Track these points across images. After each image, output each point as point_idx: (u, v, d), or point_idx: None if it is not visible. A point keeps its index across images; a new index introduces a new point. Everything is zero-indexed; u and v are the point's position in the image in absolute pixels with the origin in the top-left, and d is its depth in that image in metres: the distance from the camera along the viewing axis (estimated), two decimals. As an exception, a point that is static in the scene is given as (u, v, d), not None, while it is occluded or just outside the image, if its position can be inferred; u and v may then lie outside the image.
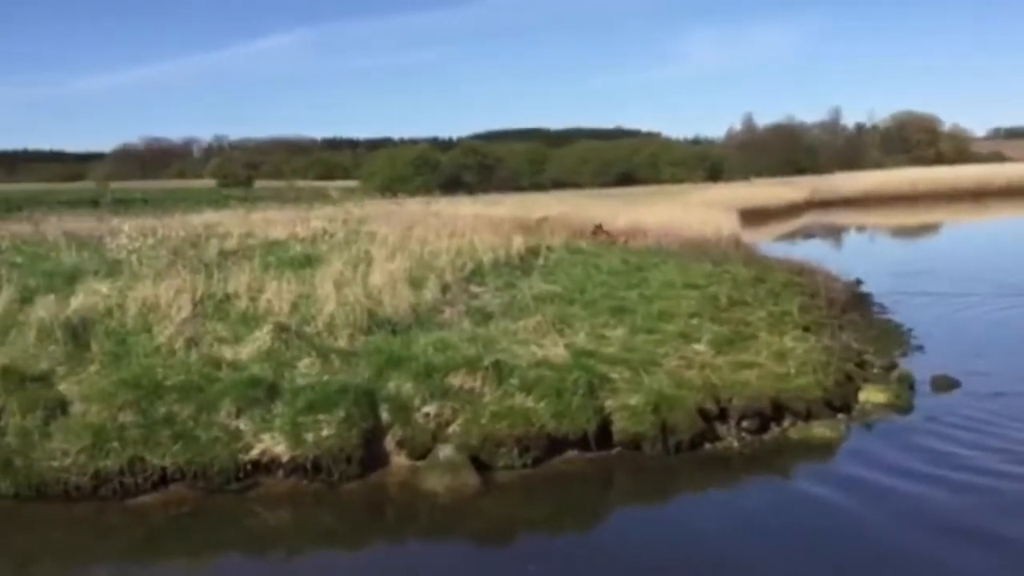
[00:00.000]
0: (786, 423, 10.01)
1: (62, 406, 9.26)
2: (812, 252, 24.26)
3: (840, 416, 10.32)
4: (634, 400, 9.41)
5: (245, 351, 10.10)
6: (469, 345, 10.27)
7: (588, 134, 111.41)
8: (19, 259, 15.46)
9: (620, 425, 9.28)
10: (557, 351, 10.16)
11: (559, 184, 77.13)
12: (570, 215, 27.82)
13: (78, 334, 10.35)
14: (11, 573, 7.66)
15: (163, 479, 8.63)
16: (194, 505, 8.41)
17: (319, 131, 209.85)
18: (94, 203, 48.58)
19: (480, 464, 8.84)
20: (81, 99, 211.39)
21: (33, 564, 7.80)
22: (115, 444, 8.66)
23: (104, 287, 11.57)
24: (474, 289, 13.67)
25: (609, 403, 9.38)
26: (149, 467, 8.60)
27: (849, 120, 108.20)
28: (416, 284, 12.74)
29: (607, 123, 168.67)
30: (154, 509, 8.37)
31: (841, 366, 11.23)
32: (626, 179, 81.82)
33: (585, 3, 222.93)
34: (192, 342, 10.24)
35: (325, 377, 9.63)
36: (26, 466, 8.62)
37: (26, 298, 11.35)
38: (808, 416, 10.04)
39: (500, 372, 9.50)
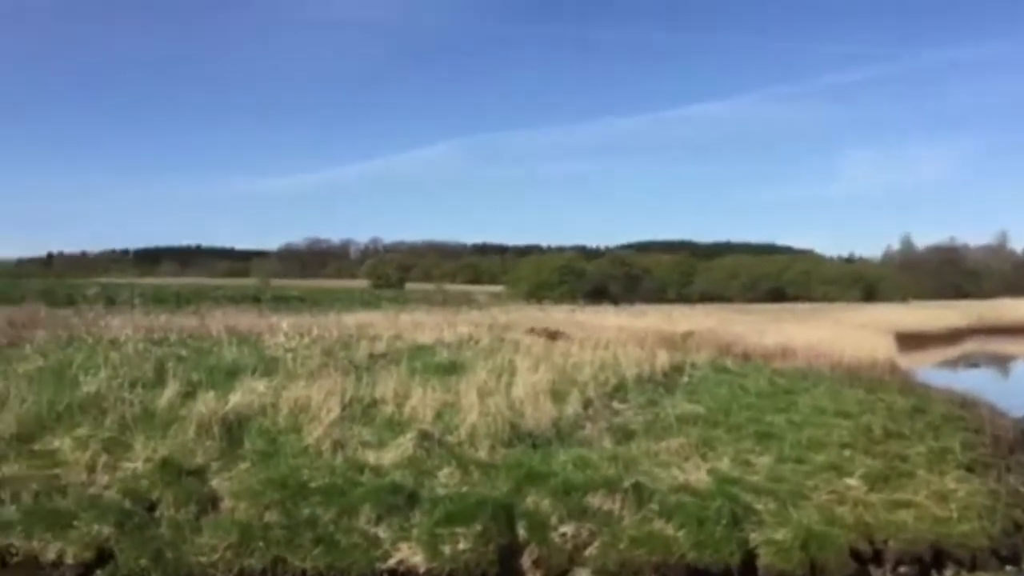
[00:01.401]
0: (948, 572, 9.29)
1: (213, 501, 9.60)
2: (975, 382, 22.86)
3: (1008, 568, 9.51)
4: (781, 535, 8.97)
5: (388, 456, 10.27)
6: (609, 464, 10.11)
7: (738, 248, 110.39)
8: (184, 352, 16.35)
9: (766, 560, 8.83)
10: (699, 476, 9.87)
11: (706, 297, 76.35)
12: (717, 330, 27.35)
13: (233, 431, 10.79)
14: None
15: (302, 582, 8.74)
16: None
17: (470, 236, 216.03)
18: (256, 299, 51.36)
19: (616, 591, 8.58)
20: (252, 200, 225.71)
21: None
22: (260, 543, 8.87)
23: (261, 385, 12.07)
24: (616, 405, 13.53)
25: (754, 536, 8.98)
26: (291, 569, 8.73)
27: (1017, 244, 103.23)
28: (558, 397, 12.72)
29: (758, 238, 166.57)
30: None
31: (1009, 512, 10.41)
32: (776, 295, 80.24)
33: (740, 121, 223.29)
34: (338, 445, 10.49)
35: (464, 488, 9.65)
36: (176, 559, 8.91)
37: (188, 392, 11.95)
38: (973, 566, 9.31)
39: (640, 495, 9.28)
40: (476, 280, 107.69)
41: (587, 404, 12.94)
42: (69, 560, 9.09)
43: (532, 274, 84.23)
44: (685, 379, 16.73)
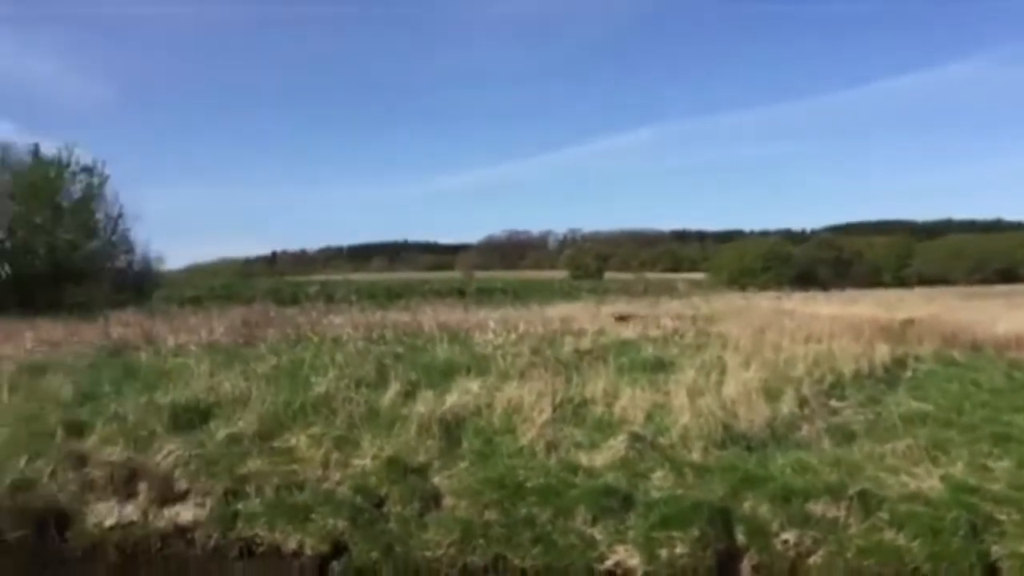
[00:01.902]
0: None
1: (436, 499, 10.04)
2: None
3: None
4: (1027, 548, 8.34)
5: (600, 458, 10.35)
6: (831, 469, 9.74)
7: (961, 226, 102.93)
8: (400, 350, 17.12)
9: (1011, 575, 8.25)
10: (932, 483, 9.32)
11: (926, 280, 71.72)
12: (940, 318, 25.64)
13: (451, 430, 11.23)
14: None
15: (523, 579, 8.99)
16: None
17: (668, 223, 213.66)
18: (460, 292, 53.09)
19: (844, 602, 8.27)
20: (452, 195, 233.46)
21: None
22: (481, 541, 9.20)
23: (475, 385, 12.48)
24: (834, 404, 12.97)
25: (996, 549, 8.39)
26: (511, 567, 9.01)
27: None
28: (772, 396, 12.36)
29: (984, 214, 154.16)
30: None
31: None
32: (1007, 276, 74.15)
33: (958, 93, 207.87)
34: (552, 446, 10.69)
35: (679, 491, 9.58)
36: (404, 553, 9.40)
37: (408, 392, 12.53)
38: None
39: (867, 503, 8.88)
40: (675, 268, 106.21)
41: (802, 403, 12.49)
42: (308, 551, 9.78)
43: (734, 260, 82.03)
44: (908, 374, 15.80)
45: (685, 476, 9.88)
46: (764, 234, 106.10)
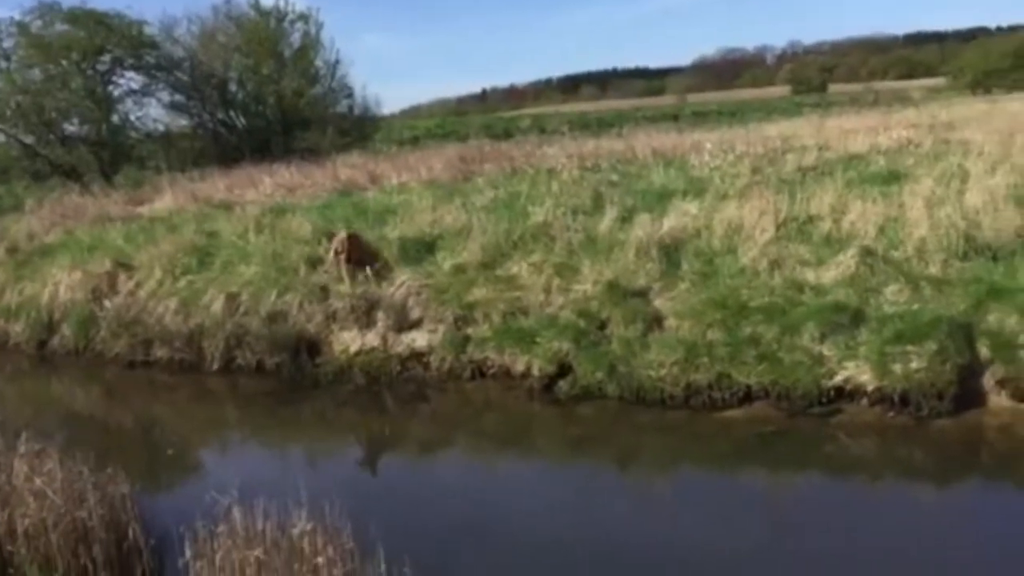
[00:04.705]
0: None
1: (657, 320, 10.10)
2: None
3: None
4: None
5: (828, 275, 9.96)
6: (1090, 278, 8.88)
7: None
8: (615, 178, 16.94)
9: None
10: None
11: None
12: None
13: (670, 253, 11.12)
14: (616, 465, 8.67)
15: (747, 396, 8.99)
16: (778, 424, 8.62)
17: (900, 27, 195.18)
18: (674, 117, 51.50)
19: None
20: (661, 16, 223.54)
21: (633, 459, 8.74)
22: (704, 360, 9.23)
23: (692, 207, 12.20)
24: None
25: None
26: (735, 384, 9.02)
27: None
28: (1022, 203, 11.29)
29: None
30: (740, 424, 8.77)
31: None
32: None
33: None
34: (775, 264, 10.38)
35: (915, 306, 9.11)
36: (627, 373, 9.60)
37: (625, 217, 12.45)
38: None
39: None
40: (909, 75, 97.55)
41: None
42: (535, 372, 10.21)
43: (978, 61, 73.97)
44: None
45: (921, 290, 9.35)
46: (1012, 29, 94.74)
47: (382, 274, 12.27)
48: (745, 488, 7.81)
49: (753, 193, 12.31)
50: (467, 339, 11.06)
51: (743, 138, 21.47)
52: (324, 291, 12.48)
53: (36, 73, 26.71)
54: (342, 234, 12.70)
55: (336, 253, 12.54)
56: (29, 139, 26.77)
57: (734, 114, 52.47)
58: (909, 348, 8.49)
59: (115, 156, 27.49)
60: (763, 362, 8.97)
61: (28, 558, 5.61)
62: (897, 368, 8.44)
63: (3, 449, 6.47)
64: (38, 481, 5.86)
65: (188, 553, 4.95)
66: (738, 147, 18.56)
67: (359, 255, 12.47)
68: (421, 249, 12.81)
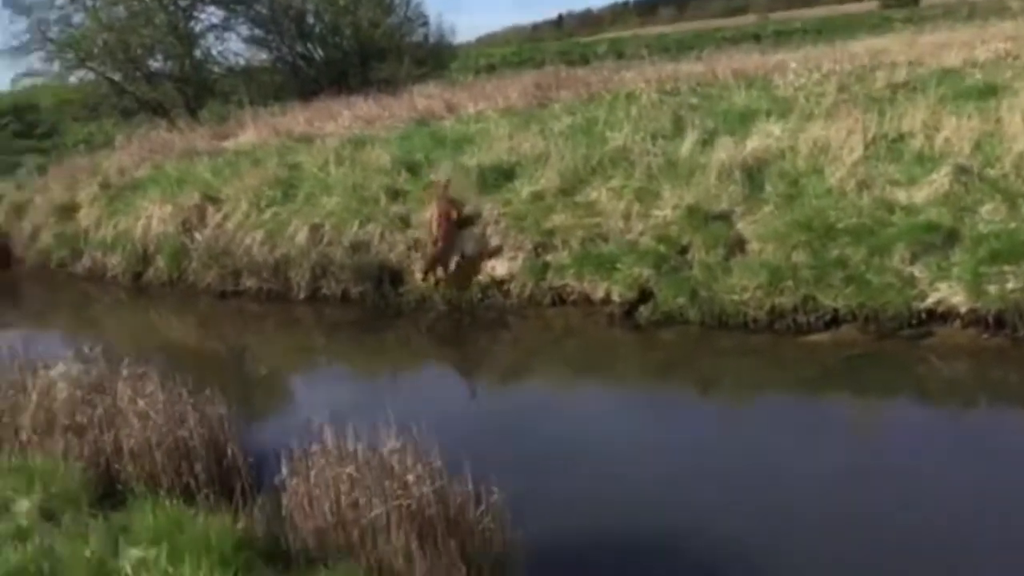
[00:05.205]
0: None
1: (740, 244, 9.95)
2: None
3: None
4: None
5: (920, 194, 9.63)
6: None
7: None
8: (695, 100, 16.53)
9: None
10: None
11: None
12: None
13: (753, 175, 10.86)
14: (697, 389, 8.67)
15: (834, 320, 8.85)
16: (865, 348, 8.47)
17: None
18: (755, 37, 49.79)
19: None
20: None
21: (715, 384, 8.73)
22: (789, 283, 9.09)
23: (776, 128, 11.83)
24: None
25: None
26: (821, 307, 8.88)
27: None
28: None
29: None
30: (825, 348, 8.64)
31: None
32: None
33: None
34: (864, 184, 10.05)
35: (1011, 225, 8.77)
36: (709, 298, 9.52)
37: (705, 140, 12.17)
38: None
39: None
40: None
41: None
42: (615, 298, 10.21)
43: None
44: None
45: (1019, 208, 8.98)
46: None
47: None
48: (831, 413, 7.73)
49: (840, 112, 11.88)
50: (546, 266, 11.08)
51: (829, 56, 20.66)
52: (405, 221, 12.60)
53: (120, 11, 27.11)
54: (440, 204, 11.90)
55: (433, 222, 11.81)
56: (116, 76, 27.34)
57: (819, 32, 50.38)
58: (1005, 268, 8.24)
59: (199, 91, 27.93)
60: (851, 284, 8.80)
61: (134, 475, 5.90)
62: (992, 289, 8.20)
63: (107, 373, 6.78)
64: (141, 403, 6.14)
65: (284, 470, 5.14)
66: (824, 65, 17.88)
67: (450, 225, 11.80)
68: (499, 177, 12.77)
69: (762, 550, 5.36)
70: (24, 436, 6.41)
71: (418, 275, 11.81)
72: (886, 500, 5.76)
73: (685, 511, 5.90)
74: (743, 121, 12.77)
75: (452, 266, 11.64)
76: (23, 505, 5.46)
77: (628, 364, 9.48)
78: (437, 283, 11.60)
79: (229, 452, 6.13)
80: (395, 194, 13.22)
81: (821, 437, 7.05)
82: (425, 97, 20.25)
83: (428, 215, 12.06)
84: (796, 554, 5.34)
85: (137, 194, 16.77)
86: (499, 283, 11.32)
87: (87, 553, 4.71)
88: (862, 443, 6.80)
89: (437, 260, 11.60)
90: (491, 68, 40.39)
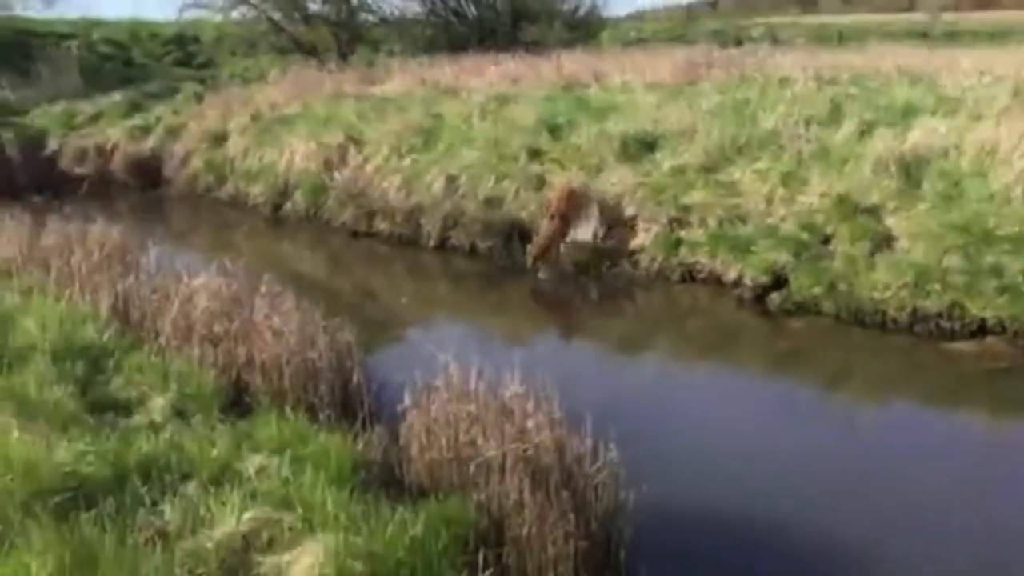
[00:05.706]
0: None
1: (887, 240, 9.53)
2: None
3: None
4: None
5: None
6: None
7: None
8: (854, 91, 15.88)
9: None
10: None
11: None
12: None
13: (911, 171, 10.36)
14: (824, 382, 8.37)
15: (981, 329, 8.40)
16: (1012, 362, 8.00)
17: None
18: (923, 35, 47.42)
19: None
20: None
21: (844, 380, 8.39)
22: (936, 286, 8.65)
23: (940, 126, 11.25)
24: None
25: None
26: (968, 315, 8.44)
27: None
28: None
29: None
30: (968, 357, 8.19)
31: None
32: None
33: None
34: (1031, 192, 9.47)
35: None
36: (847, 291, 9.16)
37: (863, 131, 11.66)
38: None
39: None
40: None
41: None
42: (747, 282, 9.95)
43: None
44: None
45: None
46: None
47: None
48: (965, 425, 7.32)
49: (1014, 114, 11.20)
50: (679, 241, 10.88)
51: (1003, 59, 19.54)
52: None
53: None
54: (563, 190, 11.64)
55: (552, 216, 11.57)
56: (276, 15, 28.18)
57: (993, 36, 47.69)
58: None
59: (352, 37, 28.57)
60: (1004, 294, 8.31)
61: (263, 388, 6.09)
62: None
63: (246, 289, 7.01)
64: (276, 319, 6.32)
65: (407, 400, 5.20)
66: (997, 68, 16.91)
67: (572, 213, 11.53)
68: (641, 147, 12.59)
69: (867, 550, 5.17)
70: (163, 340, 6.69)
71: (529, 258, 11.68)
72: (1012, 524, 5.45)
73: (795, 503, 5.70)
74: (904, 116, 12.22)
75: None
76: (158, 402, 5.70)
77: (754, 349, 9.22)
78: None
79: (355, 378, 6.25)
80: (534, 153, 13.20)
81: (949, 449, 6.72)
82: (572, 62, 20.11)
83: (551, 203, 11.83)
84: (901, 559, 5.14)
85: (285, 128, 17.28)
86: (630, 253, 11.18)
87: (213, 453, 4.89)
88: (992, 460, 6.43)
89: (546, 250, 11.51)
90: (641, 42, 39.80)
